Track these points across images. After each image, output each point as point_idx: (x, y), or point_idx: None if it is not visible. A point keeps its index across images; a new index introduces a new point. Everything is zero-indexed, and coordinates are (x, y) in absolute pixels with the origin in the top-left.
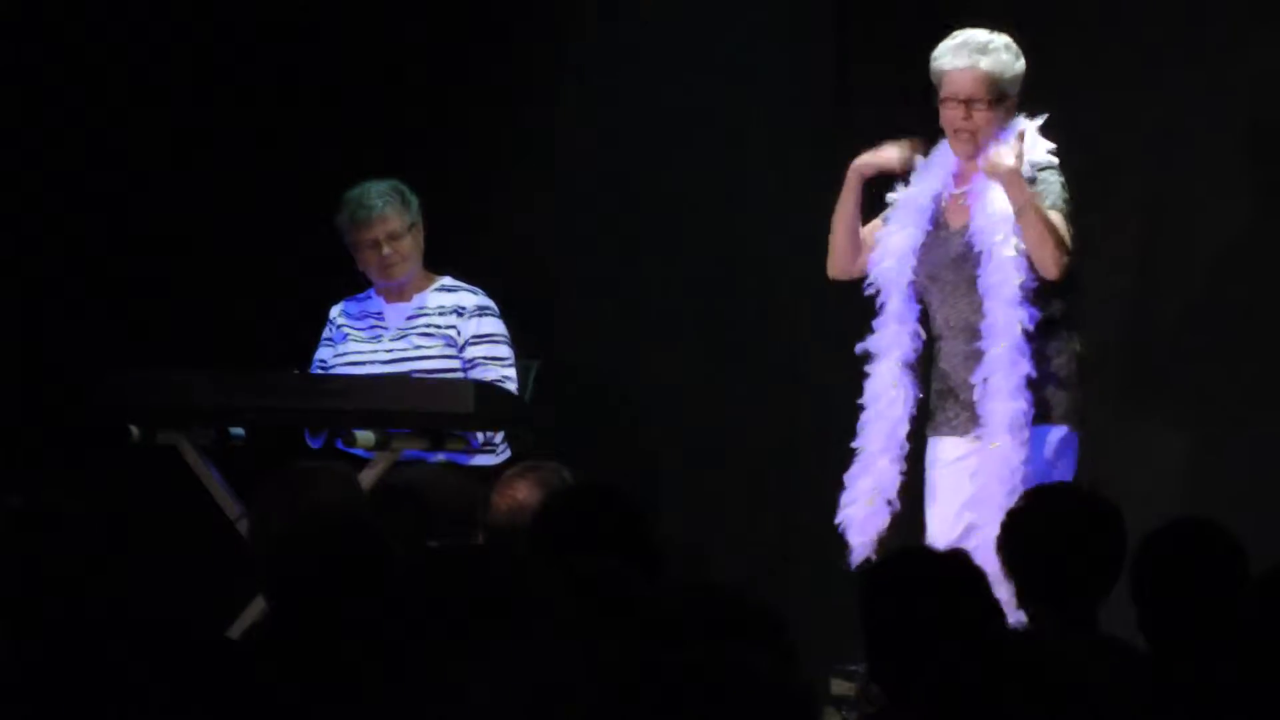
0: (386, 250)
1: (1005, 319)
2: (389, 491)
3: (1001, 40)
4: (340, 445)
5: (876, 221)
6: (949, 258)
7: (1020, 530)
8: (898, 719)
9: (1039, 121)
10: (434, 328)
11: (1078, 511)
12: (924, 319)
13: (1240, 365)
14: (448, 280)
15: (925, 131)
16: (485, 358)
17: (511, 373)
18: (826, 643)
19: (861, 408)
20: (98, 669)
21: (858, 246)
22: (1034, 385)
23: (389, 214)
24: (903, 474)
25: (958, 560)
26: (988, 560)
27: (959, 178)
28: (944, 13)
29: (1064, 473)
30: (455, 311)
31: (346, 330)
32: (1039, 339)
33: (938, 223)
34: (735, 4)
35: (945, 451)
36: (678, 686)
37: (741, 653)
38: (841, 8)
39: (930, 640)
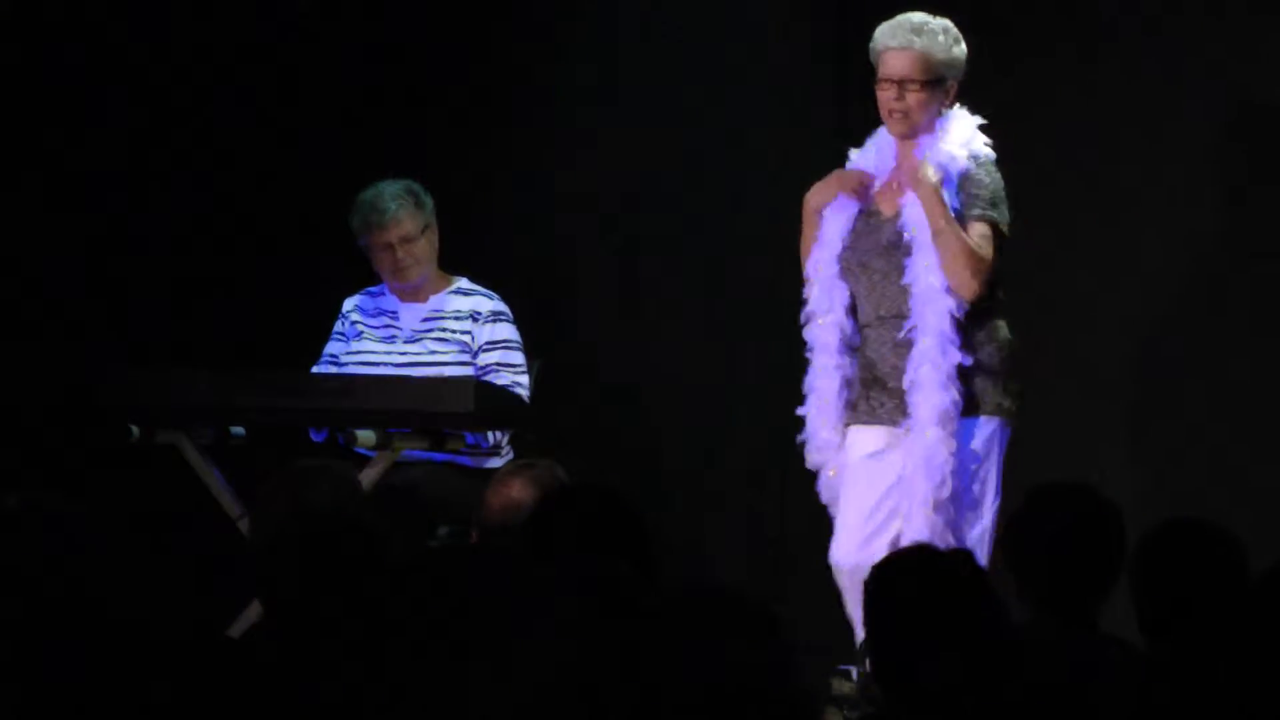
0: (400, 254)
1: (934, 308)
2: (390, 491)
3: (940, 23)
4: (341, 443)
5: None
6: (880, 245)
7: (1021, 529)
8: (899, 719)
9: (978, 119)
10: (449, 333)
11: (1078, 511)
12: (851, 308)
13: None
14: (464, 283)
15: None
16: (498, 364)
17: (524, 379)
18: (827, 643)
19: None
20: (97, 670)
21: None
22: (963, 376)
23: (402, 217)
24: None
25: (961, 560)
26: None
27: (896, 167)
28: (944, 14)
29: (993, 466)
30: (471, 316)
31: (360, 327)
32: (968, 328)
33: (870, 210)
34: (736, 4)
35: (864, 443)
36: (678, 686)
37: (741, 653)
38: (842, 8)
39: (932, 640)
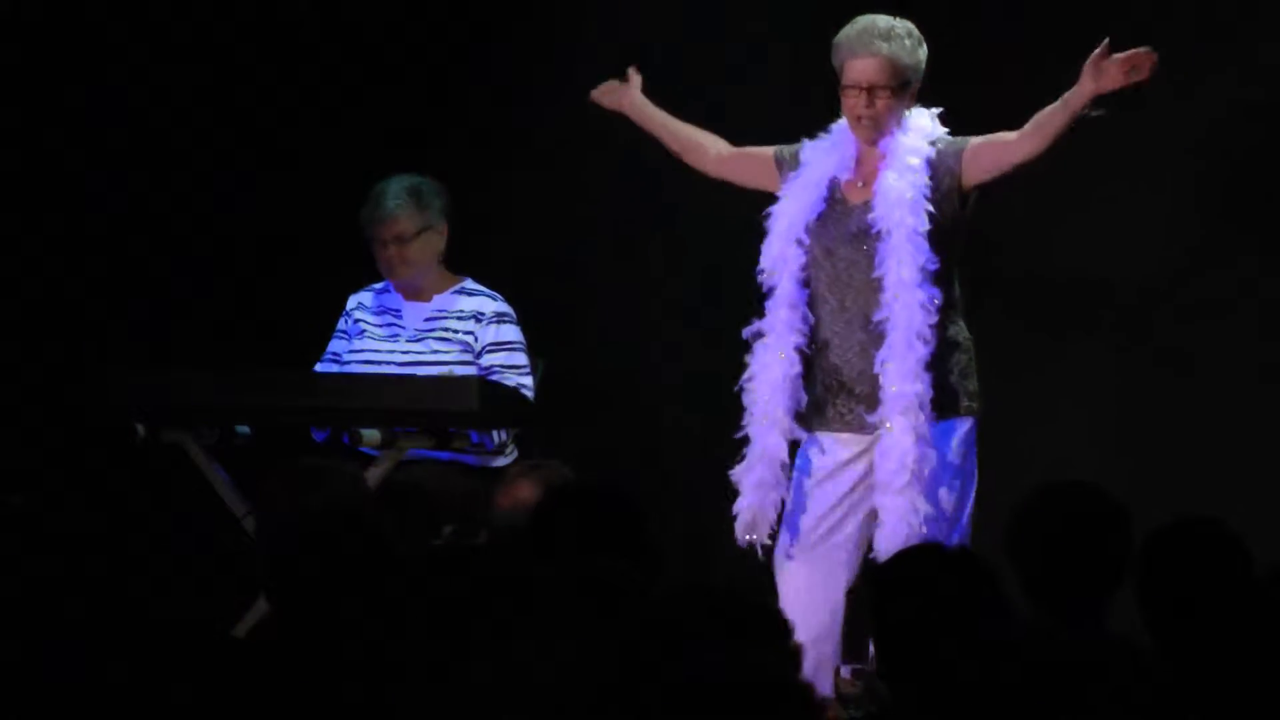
0: (392, 251)
1: (905, 301)
2: (393, 489)
3: (904, 26)
4: (346, 442)
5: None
6: (849, 232)
7: (1027, 527)
8: (905, 718)
9: (934, 110)
10: (451, 332)
11: (1085, 509)
12: (812, 304)
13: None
14: (469, 283)
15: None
16: (502, 365)
17: (529, 380)
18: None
19: (746, 389)
20: (101, 669)
21: (690, 148)
22: (938, 376)
23: (400, 216)
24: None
25: (967, 559)
26: (891, 545)
27: (859, 162)
28: (944, 15)
29: (972, 465)
30: (474, 317)
31: (364, 325)
32: (939, 324)
33: (835, 198)
34: (737, 5)
35: (832, 450)
36: (678, 686)
37: (742, 652)
38: (844, 10)
39: (939, 639)
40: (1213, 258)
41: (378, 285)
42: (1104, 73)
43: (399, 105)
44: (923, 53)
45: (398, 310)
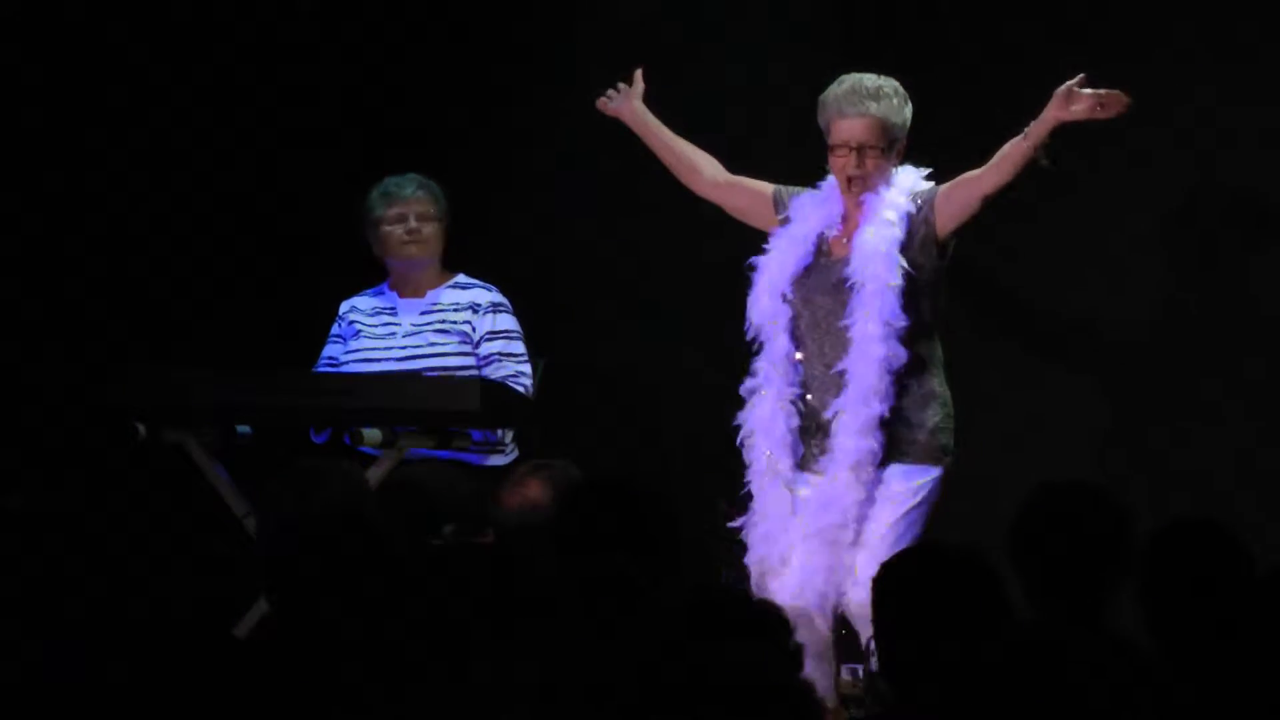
0: (414, 223)
1: (866, 357)
2: (394, 488)
3: (890, 85)
4: (347, 442)
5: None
6: (829, 283)
7: (1027, 527)
8: (907, 717)
9: (923, 170)
10: (449, 324)
11: (1086, 510)
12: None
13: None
14: (461, 278)
15: (929, 134)
16: (500, 354)
17: (526, 369)
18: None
19: (746, 444)
20: (101, 669)
21: (685, 166)
22: (914, 424)
23: (422, 196)
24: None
25: (969, 559)
26: (810, 594)
27: (845, 218)
28: (945, 16)
29: (924, 514)
30: (470, 308)
31: (359, 326)
32: (909, 379)
33: (821, 251)
34: (738, 6)
35: (806, 489)
36: (684, 685)
37: (746, 652)
38: (847, 12)
39: (941, 638)
40: (1205, 271)
41: (370, 290)
42: (1074, 101)
43: (401, 105)
44: (909, 110)
45: (392, 308)
